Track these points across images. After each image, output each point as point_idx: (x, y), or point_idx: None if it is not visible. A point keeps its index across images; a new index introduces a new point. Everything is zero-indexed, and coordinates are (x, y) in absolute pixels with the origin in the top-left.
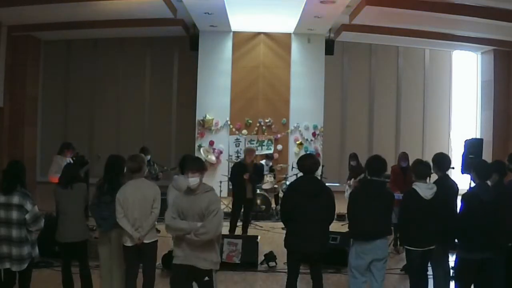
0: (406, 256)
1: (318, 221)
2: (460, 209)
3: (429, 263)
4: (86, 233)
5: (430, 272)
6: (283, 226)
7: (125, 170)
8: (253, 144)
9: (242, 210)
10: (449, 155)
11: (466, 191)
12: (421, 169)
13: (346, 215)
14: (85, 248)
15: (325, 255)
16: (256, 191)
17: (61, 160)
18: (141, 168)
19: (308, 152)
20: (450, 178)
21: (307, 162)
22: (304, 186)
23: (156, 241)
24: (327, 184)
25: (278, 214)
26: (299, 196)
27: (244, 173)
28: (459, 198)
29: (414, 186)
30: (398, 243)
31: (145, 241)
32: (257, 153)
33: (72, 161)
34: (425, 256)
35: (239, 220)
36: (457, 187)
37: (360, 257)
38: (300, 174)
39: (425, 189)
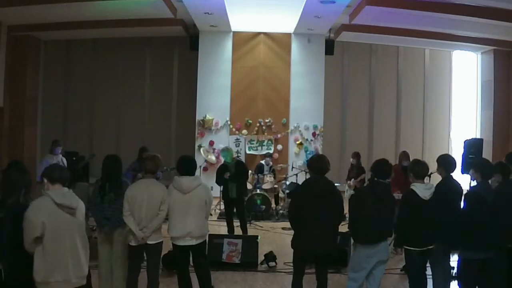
0: (405, 256)
1: (329, 222)
2: (462, 208)
3: (429, 263)
4: (88, 232)
5: (429, 272)
6: (284, 226)
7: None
8: (253, 144)
9: (235, 210)
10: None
11: (467, 190)
12: (420, 169)
13: (349, 216)
14: None
15: (331, 255)
16: (245, 190)
17: (51, 159)
18: (157, 170)
19: (307, 153)
20: (454, 179)
21: (320, 163)
22: (316, 186)
23: (161, 242)
24: None
25: (278, 214)
26: (310, 196)
27: (225, 173)
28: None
29: (412, 187)
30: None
31: (150, 242)
32: (256, 153)
33: (64, 159)
34: (424, 256)
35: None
36: (461, 188)
37: (365, 261)
38: (299, 173)
39: (424, 189)
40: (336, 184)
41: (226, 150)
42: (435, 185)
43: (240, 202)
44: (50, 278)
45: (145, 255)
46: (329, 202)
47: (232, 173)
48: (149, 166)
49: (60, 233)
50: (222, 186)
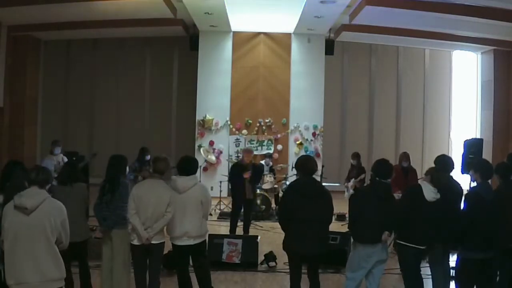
0: (399, 254)
1: (318, 223)
2: (462, 209)
3: (428, 263)
4: (87, 233)
5: (429, 272)
6: None
7: (127, 170)
8: (253, 144)
9: (242, 210)
10: (450, 155)
11: (467, 190)
12: (439, 179)
13: (349, 215)
14: (85, 248)
15: (323, 256)
16: (256, 191)
17: (50, 159)
18: (164, 171)
19: (307, 153)
20: (454, 179)
21: (309, 164)
22: (304, 187)
23: (163, 242)
24: (327, 184)
25: (278, 214)
26: (298, 198)
27: (243, 173)
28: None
29: (421, 183)
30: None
31: (153, 242)
32: (257, 153)
33: (65, 158)
34: (417, 256)
35: (239, 220)
36: (461, 188)
37: (365, 260)
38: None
39: (430, 191)
40: (336, 184)
41: (249, 150)
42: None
43: (252, 202)
44: (9, 281)
45: None
46: (319, 202)
47: (251, 174)
48: (161, 167)
49: (16, 236)
50: (234, 185)
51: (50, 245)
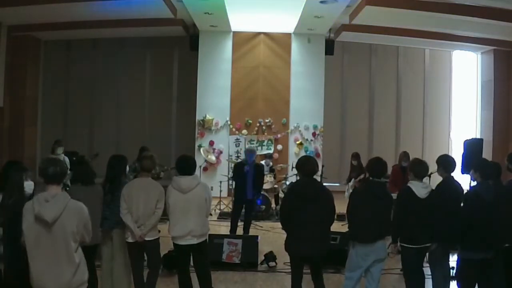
0: (402, 255)
1: (318, 224)
2: (462, 209)
3: (428, 263)
4: (99, 237)
5: (429, 272)
6: None
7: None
8: (253, 144)
9: (243, 210)
10: (451, 155)
11: (467, 190)
12: (420, 170)
13: (347, 215)
14: (95, 251)
15: (324, 256)
16: (259, 191)
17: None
18: (151, 169)
19: (307, 153)
20: (455, 179)
21: (309, 165)
22: (303, 188)
23: (158, 238)
24: (327, 184)
25: (278, 214)
26: (298, 199)
27: (245, 167)
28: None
29: (409, 184)
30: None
31: (147, 239)
32: (257, 153)
33: (66, 158)
34: (419, 254)
35: (239, 220)
36: (462, 188)
37: (362, 259)
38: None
39: (420, 188)
40: (336, 184)
41: (251, 151)
42: (435, 185)
43: (253, 203)
44: (33, 285)
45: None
46: (319, 204)
47: (252, 175)
48: (148, 165)
49: (36, 241)
50: (235, 186)
51: (71, 250)
